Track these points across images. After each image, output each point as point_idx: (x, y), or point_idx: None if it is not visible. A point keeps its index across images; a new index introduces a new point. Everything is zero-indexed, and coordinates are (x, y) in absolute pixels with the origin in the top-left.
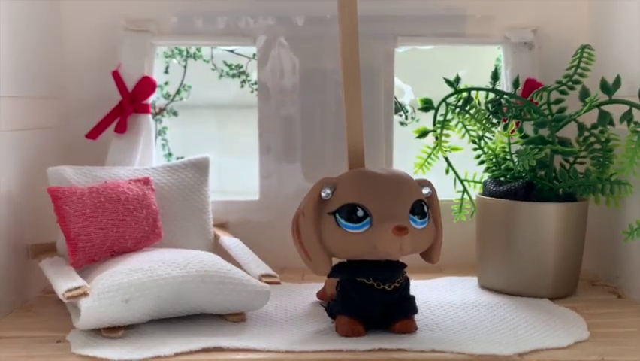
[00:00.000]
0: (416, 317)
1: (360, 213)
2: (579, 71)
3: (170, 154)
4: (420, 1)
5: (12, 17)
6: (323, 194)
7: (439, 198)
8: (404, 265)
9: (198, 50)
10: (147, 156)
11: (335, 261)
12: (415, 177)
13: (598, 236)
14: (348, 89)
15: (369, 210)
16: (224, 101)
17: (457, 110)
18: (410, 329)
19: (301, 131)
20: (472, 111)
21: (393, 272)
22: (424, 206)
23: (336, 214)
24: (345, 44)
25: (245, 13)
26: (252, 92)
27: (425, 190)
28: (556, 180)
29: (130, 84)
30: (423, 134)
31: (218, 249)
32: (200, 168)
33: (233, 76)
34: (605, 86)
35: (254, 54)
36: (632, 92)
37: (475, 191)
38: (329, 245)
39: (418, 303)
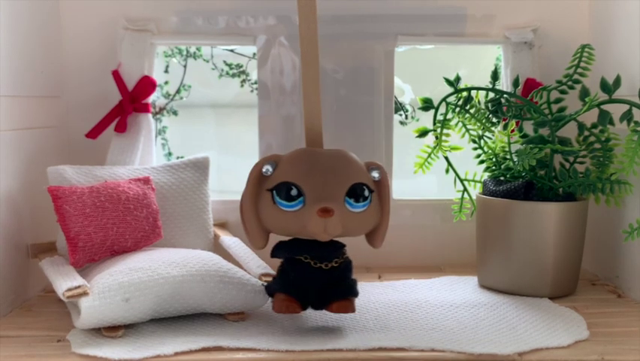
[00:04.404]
0: (416, 316)
1: (294, 192)
2: (579, 70)
3: (170, 153)
4: (420, 1)
5: (12, 17)
6: (264, 170)
7: (439, 198)
8: (343, 245)
9: (198, 49)
10: (147, 156)
11: (279, 239)
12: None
13: (598, 236)
14: (306, 68)
15: (303, 190)
16: (224, 100)
17: (457, 109)
18: (347, 310)
19: (301, 131)
20: (472, 111)
21: (331, 252)
22: (364, 190)
23: (273, 191)
24: (303, 20)
25: (245, 13)
26: (252, 91)
27: (374, 174)
28: (556, 180)
29: (130, 84)
30: (423, 133)
31: (218, 248)
32: (201, 167)
33: (234, 75)
34: (604, 86)
35: (254, 53)
36: (632, 91)
37: (475, 190)
38: (265, 221)
39: (417, 303)
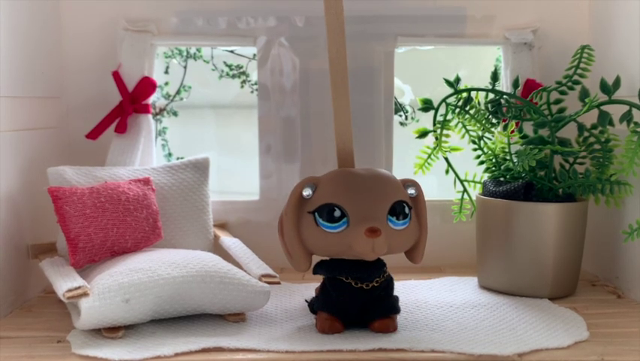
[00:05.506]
0: (416, 317)
1: (337, 213)
2: (579, 71)
3: (170, 154)
4: (420, 1)
5: (12, 17)
6: (304, 193)
7: (440, 199)
8: (384, 264)
9: (198, 50)
10: (147, 156)
11: (317, 258)
12: (401, 177)
13: (598, 236)
14: (336, 89)
15: (347, 210)
16: (224, 101)
17: (457, 110)
18: (388, 328)
19: (301, 131)
20: (471, 111)
21: (372, 272)
22: (404, 207)
23: (315, 213)
24: (332, 44)
25: (245, 14)
26: (252, 92)
27: (410, 191)
28: (555, 181)
29: (130, 84)
30: (423, 134)
31: (218, 249)
32: (201, 168)
33: (234, 76)
34: (604, 87)
35: (254, 54)
36: (632, 92)
37: (474, 191)
38: (308, 243)
39: (418, 303)
